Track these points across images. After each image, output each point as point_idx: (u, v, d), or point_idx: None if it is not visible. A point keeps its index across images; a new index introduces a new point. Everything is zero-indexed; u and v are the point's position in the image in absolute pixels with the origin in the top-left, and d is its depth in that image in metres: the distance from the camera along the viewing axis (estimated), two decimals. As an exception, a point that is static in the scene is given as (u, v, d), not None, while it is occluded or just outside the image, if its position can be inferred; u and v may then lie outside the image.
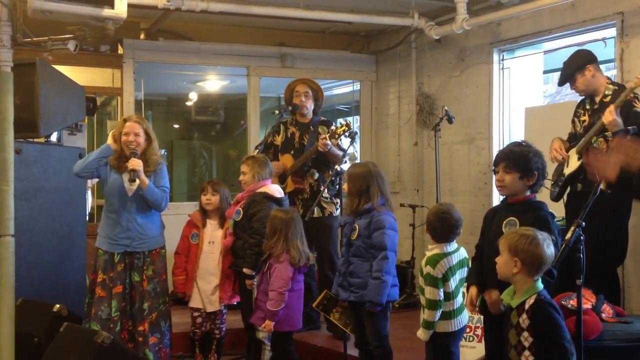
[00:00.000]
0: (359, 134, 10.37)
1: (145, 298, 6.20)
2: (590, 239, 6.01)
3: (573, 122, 6.61)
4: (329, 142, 7.05)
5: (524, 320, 3.96)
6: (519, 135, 8.29)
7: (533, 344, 3.93)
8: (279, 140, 7.65)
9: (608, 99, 6.24)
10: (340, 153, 7.14)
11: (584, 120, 6.43)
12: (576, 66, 6.36)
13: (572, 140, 6.54)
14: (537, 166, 4.57)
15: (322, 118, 7.70)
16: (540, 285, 4.03)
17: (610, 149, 3.77)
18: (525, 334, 3.96)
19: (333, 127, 7.25)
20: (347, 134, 7.17)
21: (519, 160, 4.61)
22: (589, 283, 6.02)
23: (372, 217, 5.51)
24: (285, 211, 6.16)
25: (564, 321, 4.02)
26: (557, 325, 3.93)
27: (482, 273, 4.70)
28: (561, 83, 6.58)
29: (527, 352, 3.95)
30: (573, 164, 6.30)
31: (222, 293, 6.65)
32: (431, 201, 8.91)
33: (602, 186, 5.88)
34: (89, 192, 9.68)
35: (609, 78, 6.48)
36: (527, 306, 3.97)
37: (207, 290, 6.66)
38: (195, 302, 6.72)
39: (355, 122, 11.86)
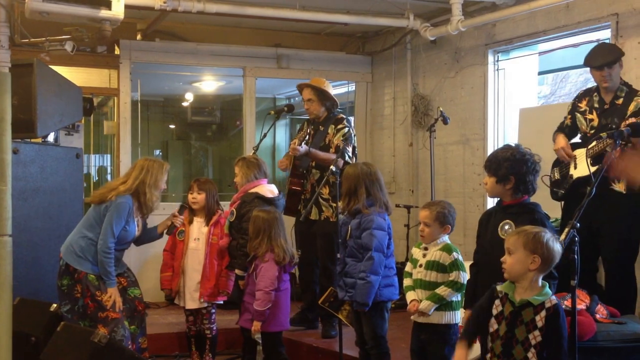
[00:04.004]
0: (354, 134, 10.38)
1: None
2: (613, 242, 6.08)
3: (573, 115, 6.50)
4: (298, 147, 7.08)
5: (541, 319, 3.96)
6: (513, 136, 8.32)
7: (539, 343, 3.95)
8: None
9: (620, 101, 6.16)
10: (332, 156, 7.13)
11: (592, 119, 6.33)
12: (618, 55, 6.21)
13: (569, 134, 6.49)
14: (512, 171, 4.59)
15: (339, 116, 7.60)
16: (549, 290, 4.05)
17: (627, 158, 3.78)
18: (537, 332, 3.96)
19: (299, 133, 7.27)
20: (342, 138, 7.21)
21: (493, 165, 4.67)
22: (609, 284, 6.14)
23: (361, 217, 5.57)
24: (267, 211, 6.17)
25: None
26: (565, 332, 3.96)
27: (476, 295, 4.76)
28: (599, 65, 6.19)
29: (533, 350, 3.96)
30: (584, 168, 6.19)
31: (202, 290, 6.64)
32: (426, 202, 8.93)
33: (620, 188, 5.92)
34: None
35: (620, 78, 6.35)
36: (548, 305, 3.97)
37: (190, 286, 6.69)
38: (180, 300, 6.77)
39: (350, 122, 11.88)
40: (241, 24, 9.71)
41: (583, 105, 6.45)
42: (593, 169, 6.02)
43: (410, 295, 5.25)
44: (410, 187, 9.91)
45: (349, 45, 10.81)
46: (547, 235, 4.02)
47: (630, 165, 3.82)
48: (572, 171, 6.34)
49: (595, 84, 6.48)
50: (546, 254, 3.99)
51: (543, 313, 3.96)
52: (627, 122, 5.84)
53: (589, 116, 6.36)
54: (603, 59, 6.23)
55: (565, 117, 6.60)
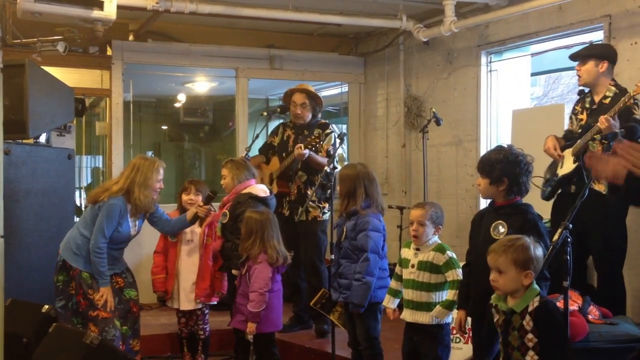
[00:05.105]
0: (347, 135, 10.40)
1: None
2: (599, 243, 6.11)
3: (571, 118, 6.58)
4: (304, 151, 7.08)
5: (528, 323, 4.00)
6: (506, 137, 8.32)
7: (537, 344, 3.98)
8: (276, 141, 7.69)
9: (607, 100, 6.21)
10: (324, 160, 7.14)
11: (581, 119, 6.40)
12: (597, 53, 6.30)
13: (568, 137, 6.51)
14: (506, 172, 4.60)
15: (321, 120, 7.68)
16: (537, 287, 4.09)
17: (614, 153, 3.75)
18: (530, 335, 4.00)
19: (308, 138, 7.26)
20: (336, 136, 7.21)
21: (487, 167, 4.68)
22: (599, 284, 6.17)
23: (357, 219, 5.58)
24: (259, 212, 6.15)
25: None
26: (560, 327, 4.00)
27: (469, 296, 4.79)
28: (573, 57, 6.41)
29: (531, 352, 4.00)
30: (568, 165, 6.27)
31: (198, 291, 6.66)
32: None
33: (599, 188, 5.93)
34: (77, 193, 9.67)
35: (613, 80, 6.38)
36: (530, 309, 4.01)
37: (185, 288, 6.70)
38: (174, 302, 6.75)
39: (343, 123, 11.89)
40: (234, 24, 9.70)
41: (578, 107, 6.53)
42: (574, 165, 6.11)
43: (386, 300, 5.37)
44: (403, 188, 9.91)
45: (341, 46, 10.81)
46: (530, 244, 4.06)
47: (600, 165, 3.80)
48: (558, 170, 6.41)
49: None
50: (537, 265, 4.05)
51: (528, 317, 4.01)
52: (602, 118, 5.85)
53: (580, 116, 6.45)
54: (577, 52, 6.41)
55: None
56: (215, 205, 6.93)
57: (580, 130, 6.36)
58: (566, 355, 4.00)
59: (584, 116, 6.40)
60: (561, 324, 4.01)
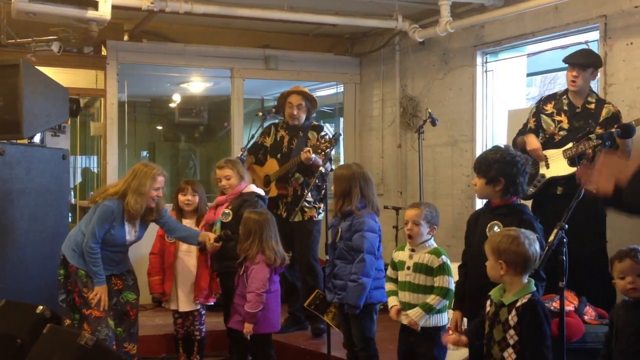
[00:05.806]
0: (342, 136, 10.39)
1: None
2: (590, 245, 6.10)
3: (537, 118, 6.61)
4: (312, 155, 7.06)
5: (512, 318, 3.99)
6: (502, 138, 8.32)
7: (517, 342, 3.97)
8: (268, 142, 7.67)
9: (592, 106, 6.33)
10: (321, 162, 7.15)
11: (561, 121, 6.46)
12: (594, 63, 6.42)
13: (537, 136, 6.57)
14: (502, 173, 4.60)
15: (314, 122, 7.71)
16: (533, 286, 4.07)
17: (599, 164, 3.74)
18: (512, 331, 3.99)
19: (317, 142, 7.22)
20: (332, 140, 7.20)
21: (483, 166, 4.67)
22: (588, 285, 6.17)
23: (352, 219, 5.56)
24: (258, 212, 6.15)
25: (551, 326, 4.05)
26: (542, 329, 3.96)
27: (465, 296, 4.79)
28: (572, 63, 6.42)
29: (510, 350, 3.98)
30: (560, 167, 6.30)
31: (197, 292, 6.63)
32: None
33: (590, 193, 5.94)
34: (72, 193, 9.64)
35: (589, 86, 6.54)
36: (518, 304, 4.00)
37: (184, 289, 6.67)
38: (172, 303, 6.72)
39: (339, 124, 11.89)
40: (229, 24, 9.69)
41: (549, 108, 6.60)
42: (572, 169, 6.11)
43: (391, 301, 5.30)
44: (399, 189, 9.90)
45: (337, 47, 10.79)
46: (517, 238, 4.05)
47: (605, 171, 3.72)
48: (543, 170, 6.47)
49: (561, 90, 6.72)
50: (513, 259, 4.02)
51: (514, 312, 4.00)
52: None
53: (558, 118, 6.52)
54: (576, 59, 6.43)
55: (528, 120, 6.71)
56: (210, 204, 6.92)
57: (565, 133, 6.42)
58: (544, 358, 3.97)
59: (562, 118, 6.48)
60: (544, 328, 3.96)
